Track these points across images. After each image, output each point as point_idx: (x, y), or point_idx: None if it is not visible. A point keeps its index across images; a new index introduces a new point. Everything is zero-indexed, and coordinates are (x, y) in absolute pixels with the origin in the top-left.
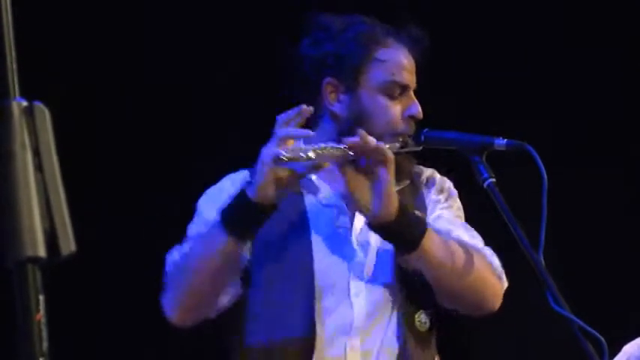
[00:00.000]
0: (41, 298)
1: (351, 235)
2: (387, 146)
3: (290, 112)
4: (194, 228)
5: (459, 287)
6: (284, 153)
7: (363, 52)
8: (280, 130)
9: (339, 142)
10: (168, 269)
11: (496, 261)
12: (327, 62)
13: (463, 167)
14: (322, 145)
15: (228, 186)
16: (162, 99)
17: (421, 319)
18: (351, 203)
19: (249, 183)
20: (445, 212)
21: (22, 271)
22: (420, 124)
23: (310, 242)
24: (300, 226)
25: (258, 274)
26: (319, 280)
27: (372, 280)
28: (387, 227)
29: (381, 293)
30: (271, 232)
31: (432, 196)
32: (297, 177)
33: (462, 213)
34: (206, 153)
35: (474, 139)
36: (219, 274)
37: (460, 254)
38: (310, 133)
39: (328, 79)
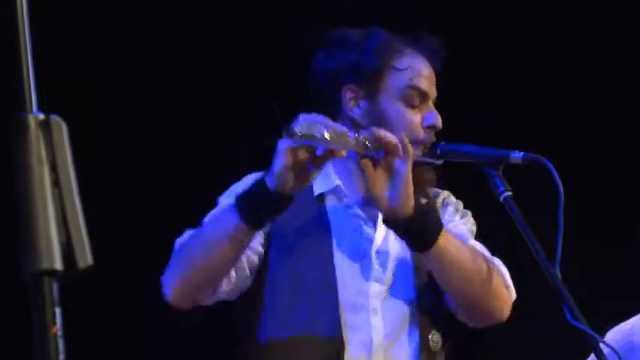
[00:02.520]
0: (57, 311)
1: (371, 249)
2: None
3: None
4: (207, 217)
5: (470, 292)
6: (298, 127)
7: (382, 59)
8: (301, 116)
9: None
10: (175, 249)
11: (506, 272)
12: (345, 71)
13: (479, 181)
14: (339, 130)
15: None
16: (173, 114)
17: (434, 338)
18: (369, 198)
19: (266, 172)
20: (458, 227)
21: (39, 284)
22: (436, 137)
23: (332, 255)
24: (323, 233)
25: (279, 277)
26: (341, 296)
27: (390, 299)
28: (404, 223)
29: (398, 312)
30: (292, 234)
31: (446, 217)
32: (314, 163)
33: (474, 230)
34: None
35: (490, 152)
36: (223, 258)
37: (473, 259)
38: (330, 122)
39: (348, 86)
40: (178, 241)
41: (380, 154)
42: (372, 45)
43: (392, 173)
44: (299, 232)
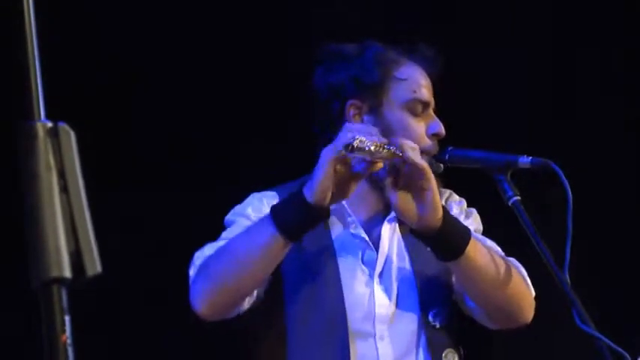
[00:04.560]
0: (67, 318)
1: (374, 274)
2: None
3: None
4: (226, 234)
5: (496, 297)
6: (355, 142)
7: (383, 71)
8: (347, 126)
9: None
10: (200, 263)
11: (524, 271)
12: (347, 86)
13: (488, 185)
14: (377, 141)
15: (256, 202)
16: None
17: (448, 356)
18: (397, 212)
19: (304, 184)
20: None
21: (48, 292)
22: (442, 142)
23: (339, 279)
24: (328, 257)
25: (290, 306)
26: (351, 325)
27: (397, 323)
28: (434, 235)
29: (406, 336)
30: (301, 263)
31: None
32: (355, 178)
33: (481, 227)
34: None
35: (499, 157)
36: (257, 271)
37: (498, 264)
38: (373, 130)
39: (351, 101)
40: (201, 255)
41: (406, 169)
42: (370, 57)
43: (420, 186)
44: (307, 261)
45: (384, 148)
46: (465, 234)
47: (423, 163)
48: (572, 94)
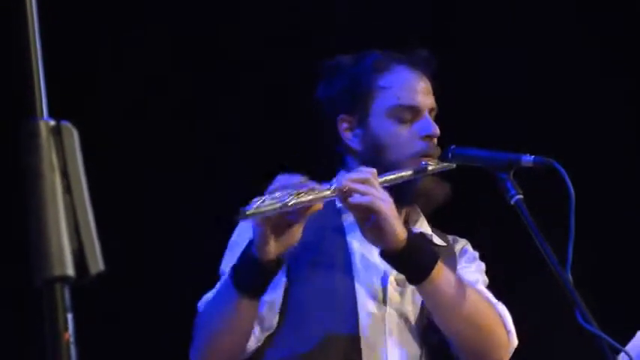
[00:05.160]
0: (69, 317)
1: (389, 274)
2: (401, 174)
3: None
4: (226, 264)
5: (467, 334)
6: (252, 206)
7: (367, 82)
8: (272, 184)
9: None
10: (195, 320)
11: (508, 317)
12: (339, 99)
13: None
14: (309, 187)
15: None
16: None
17: None
18: (364, 236)
19: (251, 241)
20: (472, 275)
21: (51, 291)
22: (445, 142)
23: (353, 277)
24: (342, 255)
25: (299, 292)
26: (362, 329)
27: (406, 328)
28: (396, 257)
29: (410, 346)
30: (312, 251)
31: (463, 263)
32: (292, 225)
33: (486, 282)
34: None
35: (501, 156)
36: (239, 332)
37: (472, 299)
38: (306, 182)
39: (341, 116)
40: (199, 309)
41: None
42: (358, 69)
43: (371, 213)
44: (320, 248)
45: (320, 192)
46: (431, 259)
47: (367, 201)
48: (573, 93)
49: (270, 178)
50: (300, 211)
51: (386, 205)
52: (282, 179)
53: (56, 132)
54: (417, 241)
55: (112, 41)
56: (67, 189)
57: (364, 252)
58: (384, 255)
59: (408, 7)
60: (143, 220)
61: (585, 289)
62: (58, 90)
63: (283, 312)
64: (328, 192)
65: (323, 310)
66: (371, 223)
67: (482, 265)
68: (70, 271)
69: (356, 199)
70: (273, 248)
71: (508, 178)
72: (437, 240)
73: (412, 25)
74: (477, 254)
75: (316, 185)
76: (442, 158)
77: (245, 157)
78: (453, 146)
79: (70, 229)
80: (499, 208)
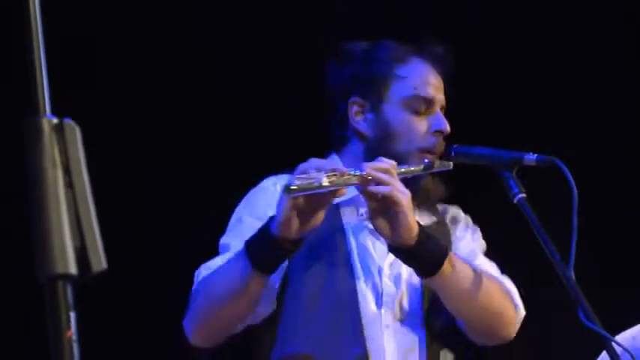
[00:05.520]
0: (72, 315)
1: (384, 264)
2: (412, 168)
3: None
4: (229, 238)
5: (477, 315)
6: (295, 182)
7: (385, 70)
8: (303, 164)
9: (371, 161)
10: (193, 288)
11: (514, 291)
12: (351, 84)
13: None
14: (340, 171)
15: (271, 189)
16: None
17: (447, 357)
18: (375, 228)
19: (272, 217)
20: (467, 246)
21: (53, 288)
22: (449, 140)
23: (353, 268)
24: (341, 247)
25: (300, 290)
26: (362, 309)
27: (402, 314)
28: (407, 252)
29: (409, 328)
30: (312, 246)
31: (457, 233)
32: (319, 207)
33: (484, 247)
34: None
35: (504, 154)
36: (240, 305)
37: (480, 282)
38: (336, 165)
39: (353, 98)
40: (196, 279)
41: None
42: (375, 55)
43: (390, 204)
44: (318, 244)
45: (346, 176)
46: (441, 253)
47: (389, 190)
48: (576, 91)
49: (269, 170)
50: (328, 194)
51: (405, 197)
52: (314, 161)
53: (59, 129)
54: (428, 235)
55: (114, 39)
56: (70, 186)
57: (362, 247)
58: (393, 249)
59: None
60: (147, 218)
61: (588, 287)
62: (61, 88)
63: (282, 306)
64: (354, 178)
65: (324, 305)
66: (387, 214)
67: (477, 231)
68: (73, 269)
69: (377, 188)
70: (295, 228)
71: (511, 176)
72: (426, 218)
73: (413, 17)
74: (469, 220)
75: (345, 170)
76: (445, 156)
77: (247, 156)
78: (455, 145)
79: (72, 226)
80: (501, 206)
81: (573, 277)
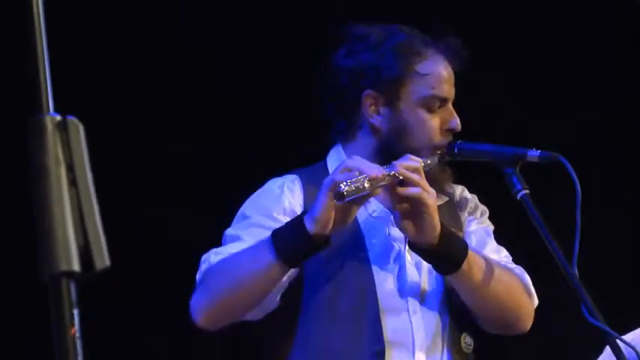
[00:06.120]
0: (75, 312)
1: (404, 250)
2: (429, 161)
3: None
4: (237, 230)
5: (494, 308)
6: (345, 188)
7: (404, 64)
8: (344, 162)
9: (381, 156)
10: (204, 270)
11: (528, 280)
12: (365, 74)
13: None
14: (376, 173)
15: (277, 191)
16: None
17: (467, 341)
18: (397, 225)
19: (306, 212)
20: (478, 230)
21: (57, 286)
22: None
23: (368, 258)
24: (355, 239)
25: (315, 283)
26: (381, 301)
27: (426, 300)
28: (429, 251)
29: (433, 313)
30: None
31: (465, 214)
32: (355, 207)
33: (492, 229)
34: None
35: (507, 150)
36: (255, 292)
37: (496, 275)
38: (378, 170)
39: (368, 92)
40: (207, 262)
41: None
42: (392, 47)
43: (418, 205)
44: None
45: (382, 177)
46: (461, 252)
47: (418, 192)
48: (578, 89)
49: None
50: (367, 195)
51: (432, 198)
52: (357, 161)
53: (62, 127)
54: (450, 234)
55: (118, 36)
56: (73, 184)
57: (375, 234)
58: (414, 246)
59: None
60: (149, 216)
61: (591, 284)
62: (64, 85)
63: (301, 304)
64: (388, 178)
65: (342, 301)
66: (413, 215)
67: (486, 212)
68: (76, 266)
69: (408, 190)
70: (331, 226)
71: (514, 172)
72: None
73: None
74: (476, 200)
75: (383, 170)
76: (448, 153)
77: (251, 155)
78: (458, 141)
79: (76, 224)
80: (504, 203)
81: (577, 274)
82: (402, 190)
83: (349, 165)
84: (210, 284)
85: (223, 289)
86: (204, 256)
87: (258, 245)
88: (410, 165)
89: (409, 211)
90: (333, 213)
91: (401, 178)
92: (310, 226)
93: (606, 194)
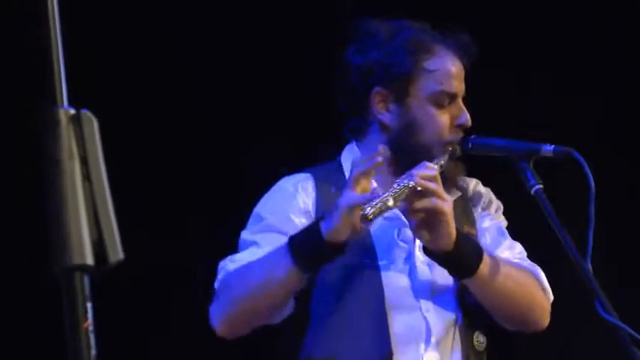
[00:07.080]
0: (89, 305)
1: (414, 249)
2: (441, 162)
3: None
4: (253, 234)
5: (511, 308)
6: (370, 211)
7: (412, 60)
8: (353, 171)
9: (392, 153)
10: (222, 279)
11: (543, 277)
12: (374, 71)
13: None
14: (396, 188)
15: (291, 189)
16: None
17: (479, 339)
18: (412, 230)
19: (322, 218)
20: (492, 227)
21: (70, 280)
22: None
23: (376, 258)
24: (365, 241)
25: (323, 287)
26: (390, 301)
27: (437, 298)
28: (445, 257)
29: (446, 312)
30: None
31: (479, 209)
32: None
33: (505, 223)
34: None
35: (521, 145)
36: (273, 300)
37: (511, 276)
38: (379, 159)
39: (377, 89)
40: (224, 270)
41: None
42: (401, 44)
43: (435, 214)
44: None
45: (401, 190)
46: (477, 257)
47: (436, 204)
48: (588, 86)
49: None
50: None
51: (448, 205)
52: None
53: (76, 120)
54: (465, 240)
55: (132, 30)
56: (87, 177)
57: (385, 235)
58: (428, 252)
59: None
60: (163, 209)
61: (605, 279)
62: (79, 78)
63: (310, 307)
64: (407, 190)
65: (350, 305)
66: (429, 222)
67: (500, 207)
68: (90, 260)
69: (425, 202)
70: (346, 236)
71: (528, 167)
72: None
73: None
74: (490, 193)
75: (403, 182)
76: (461, 148)
77: (258, 154)
78: (472, 136)
79: (89, 217)
80: (516, 198)
81: (590, 269)
82: (420, 205)
83: (357, 172)
84: (228, 293)
85: (242, 299)
86: (221, 264)
87: (275, 253)
88: (429, 174)
89: (427, 221)
90: (348, 227)
91: (419, 188)
92: (327, 235)
93: (621, 191)
